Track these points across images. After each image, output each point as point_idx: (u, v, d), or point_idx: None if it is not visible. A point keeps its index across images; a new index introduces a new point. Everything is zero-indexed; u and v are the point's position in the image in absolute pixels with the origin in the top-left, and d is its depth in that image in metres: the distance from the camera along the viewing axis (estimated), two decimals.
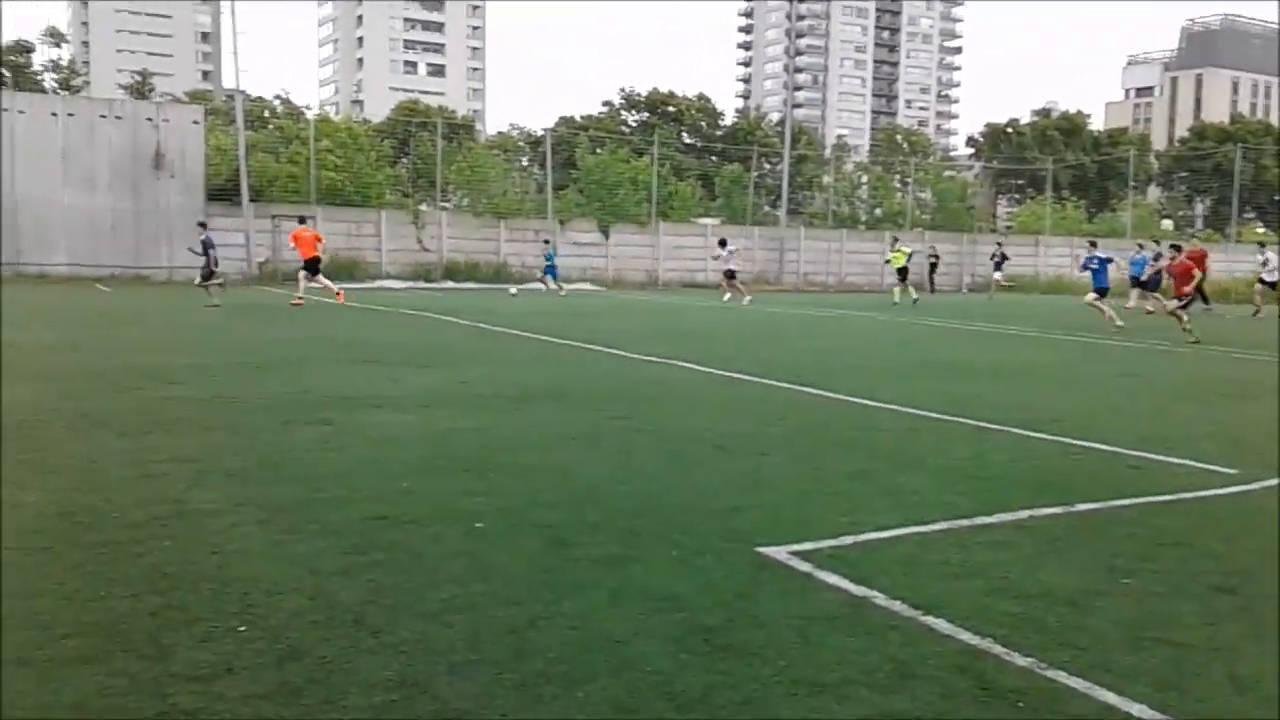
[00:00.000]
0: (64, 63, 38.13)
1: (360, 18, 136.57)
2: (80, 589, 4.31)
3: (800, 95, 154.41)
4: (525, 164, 55.08)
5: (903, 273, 31.04)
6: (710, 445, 7.73)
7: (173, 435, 7.57)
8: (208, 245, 22.91)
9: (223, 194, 34.74)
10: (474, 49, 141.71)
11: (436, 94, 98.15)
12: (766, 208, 54.99)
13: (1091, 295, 21.57)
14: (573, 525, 5.45)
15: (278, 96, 65.00)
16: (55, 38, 37.79)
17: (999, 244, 40.61)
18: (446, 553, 4.94)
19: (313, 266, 23.42)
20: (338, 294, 23.73)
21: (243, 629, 3.92)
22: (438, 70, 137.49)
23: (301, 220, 25.24)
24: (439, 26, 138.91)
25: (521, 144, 56.98)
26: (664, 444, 7.78)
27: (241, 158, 34.12)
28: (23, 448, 6.98)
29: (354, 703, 3.35)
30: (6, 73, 33.70)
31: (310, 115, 44.03)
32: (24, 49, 35.08)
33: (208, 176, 34.56)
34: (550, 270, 32.46)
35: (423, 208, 39.80)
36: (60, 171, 32.10)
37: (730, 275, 31.04)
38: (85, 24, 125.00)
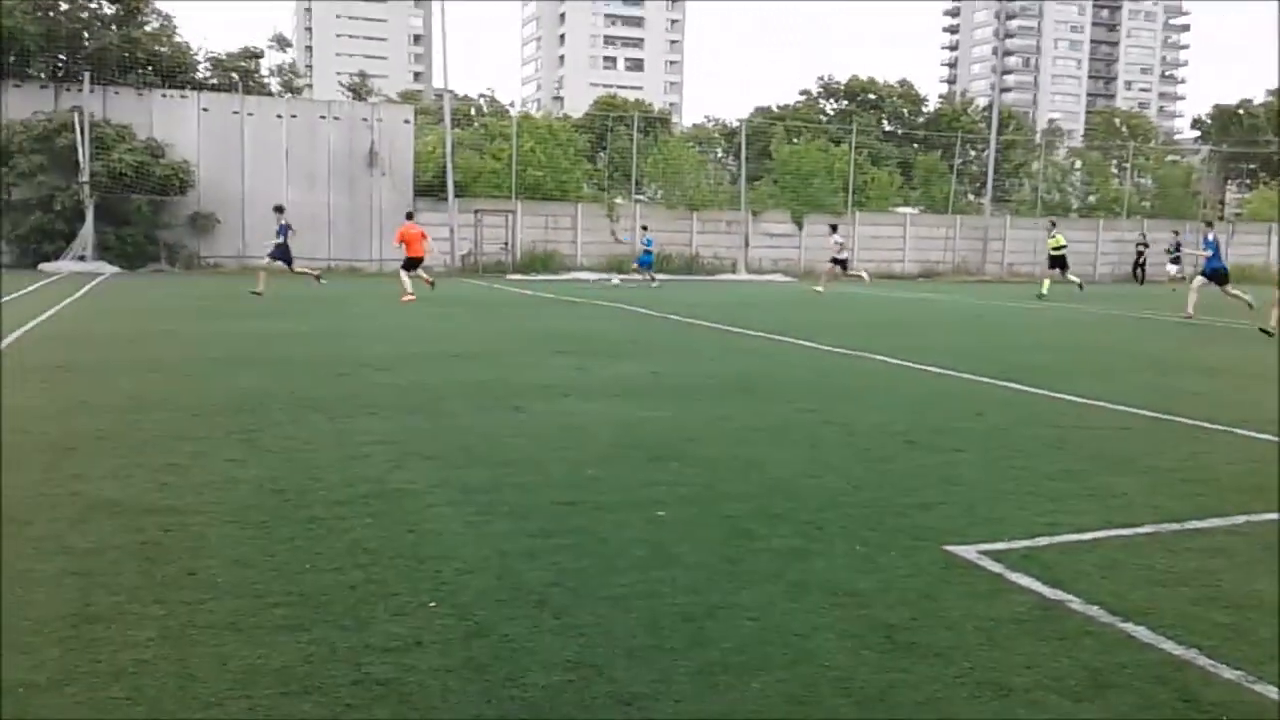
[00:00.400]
0: (288, 66, 40.59)
1: (563, 15, 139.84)
2: (289, 561, 4.59)
3: (1010, 79, 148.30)
4: (720, 155, 55.12)
5: (1057, 262, 29.13)
6: (901, 440, 7.54)
7: (378, 419, 7.97)
8: (283, 230, 22.85)
9: (430, 190, 36.28)
10: (672, 42, 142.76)
11: (634, 88, 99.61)
12: (970, 195, 53.13)
13: (1199, 280, 20.05)
14: (756, 516, 5.42)
15: (483, 95, 67.45)
16: (280, 43, 40.27)
17: (1175, 232, 37.58)
18: (629, 539, 5.00)
19: (412, 264, 22.16)
20: (408, 296, 21.11)
21: (434, 605, 4.09)
22: (636, 65, 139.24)
23: (409, 216, 23.97)
24: (639, 21, 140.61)
25: (716, 135, 57.06)
26: (853, 438, 7.64)
27: (448, 155, 35.53)
28: (243, 428, 7.50)
29: (534, 680, 3.44)
30: (235, 76, 36.03)
31: (513, 113, 45.47)
32: (253, 55, 37.48)
33: (416, 173, 36.16)
34: (646, 259, 31.69)
35: (618, 200, 40.42)
36: (283, 169, 34.26)
37: (843, 264, 29.29)
38: (309, 29, 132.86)
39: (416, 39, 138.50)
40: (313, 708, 3.23)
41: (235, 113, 34.06)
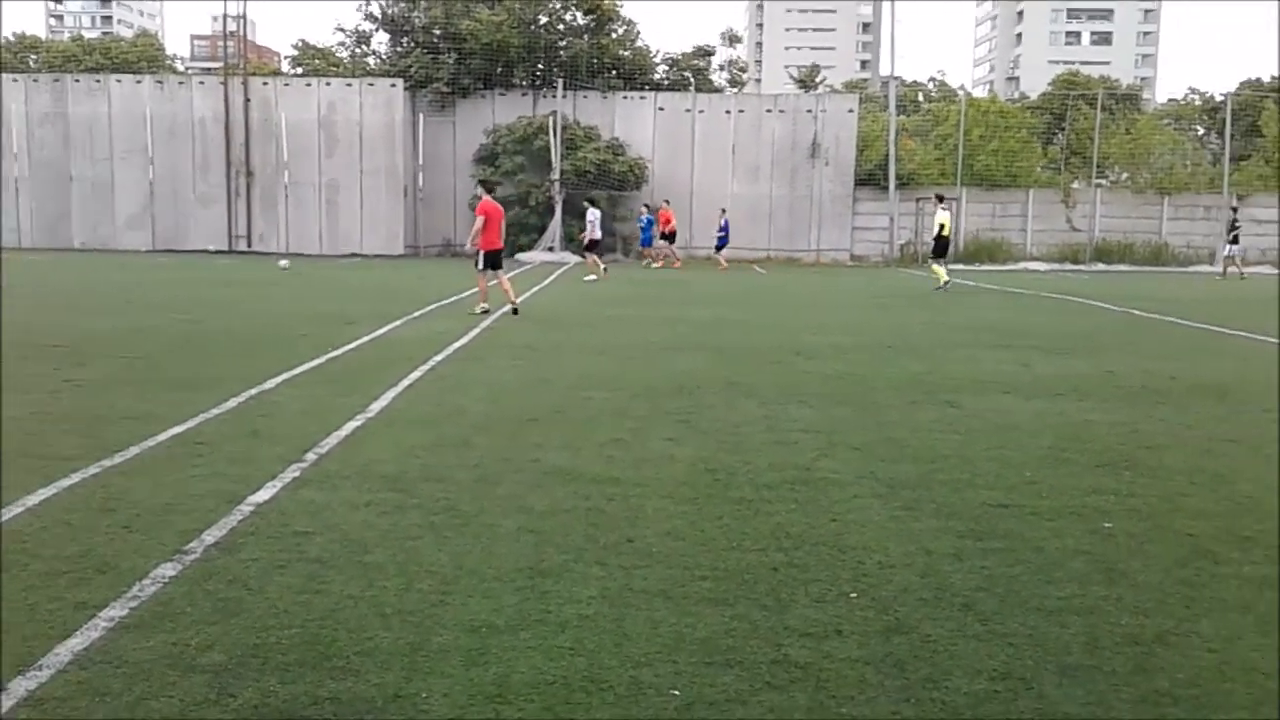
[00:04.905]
0: (737, 62, 41.98)
1: None
2: (716, 538, 4.76)
3: None
4: (1201, 133, 49.62)
5: (940, 246, 22.43)
6: None
7: (807, 407, 8.05)
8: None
9: (871, 179, 36.05)
10: (1147, 11, 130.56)
11: (1100, 64, 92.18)
12: None
13: None
14: (1221, 538, 4.85)
15: (932, 79, 65.77)
16: (731, 39, 41.72)
17: (1233, 208, 31.61)
18: (1069, 550, 4.67)
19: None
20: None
21: (854, 595, 4.06)
22: (1103, 38, 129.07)
23: (667, 202, 30.77)
24: None
25: (1196, 112, 51.41)
26: None
27: (891, 143, 35.08)
28: (680, 410, 7.88)
29: (956, 685, 3.31)
30: (689, 75, 37.78)
31: (960, 96, 43.91)
32: (705, 53, 39.09)
33: (859, 162, 36.06)
34: (645, 239, 31.51)
35: (1075, 185, 37.78)
36: (729, 163, 35.59)
37: (592, 246, 25.13)
38: (760, 25, 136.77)
39: (865, 27, 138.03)
40: (733, 680, 3.32)
41: (687, 110, 35.84)
